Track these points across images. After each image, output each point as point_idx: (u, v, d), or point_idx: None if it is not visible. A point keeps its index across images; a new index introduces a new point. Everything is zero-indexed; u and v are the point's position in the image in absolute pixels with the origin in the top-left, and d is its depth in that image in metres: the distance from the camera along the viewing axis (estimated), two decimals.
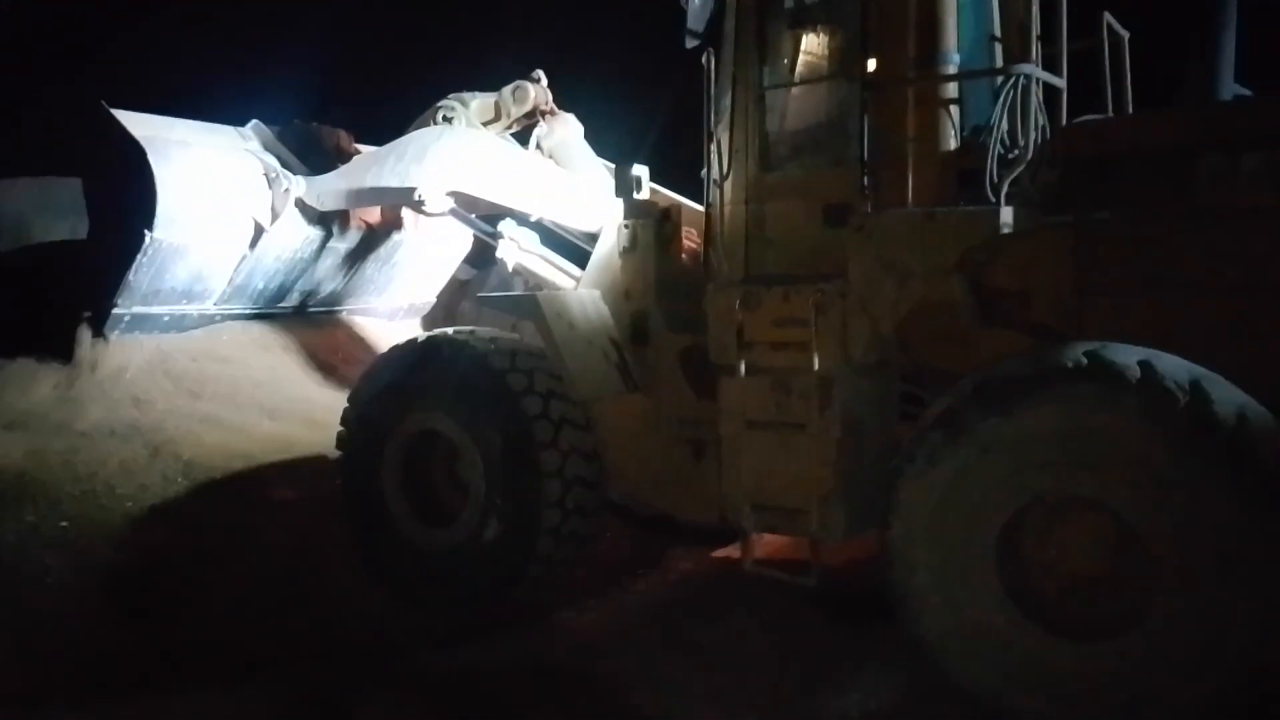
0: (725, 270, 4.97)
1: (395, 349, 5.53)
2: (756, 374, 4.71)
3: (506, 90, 6.61)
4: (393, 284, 7.91)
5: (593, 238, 5.86)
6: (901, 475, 4.02)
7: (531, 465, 5.03)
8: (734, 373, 4.80)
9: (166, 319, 6.46)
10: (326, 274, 7.32)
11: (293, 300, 7.26)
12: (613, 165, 6.33)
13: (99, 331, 6.19)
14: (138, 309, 6.23)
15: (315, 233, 6.93)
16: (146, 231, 5.94)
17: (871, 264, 4.44)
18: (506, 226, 5.97)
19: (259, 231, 6.61)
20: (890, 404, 4.85)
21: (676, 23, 4.95)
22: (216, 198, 6.38)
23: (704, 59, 5.09)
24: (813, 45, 5.14)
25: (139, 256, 5.96)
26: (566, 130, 6.39)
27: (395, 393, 5.44)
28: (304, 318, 7.47)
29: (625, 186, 5.39)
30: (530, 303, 5.36)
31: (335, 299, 7.62)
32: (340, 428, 5.69)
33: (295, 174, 6.75)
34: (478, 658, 4.89)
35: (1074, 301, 4.31)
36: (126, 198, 6.19)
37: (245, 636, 4.97)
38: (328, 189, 6.74)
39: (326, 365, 7.30)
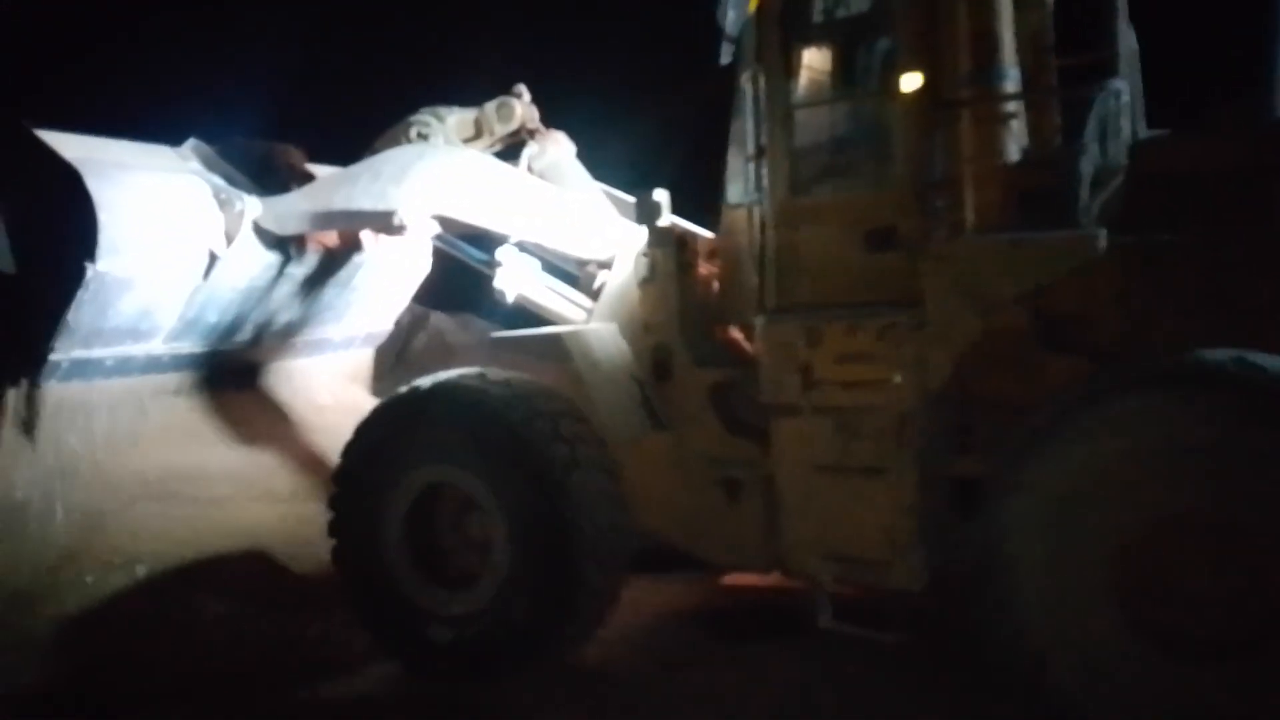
0: (768, 300, 4.62)
1: (397, 397, 4.99)
2: (822, 414, 4.39)
3: (490, 106, 6.09)
4: (351, 309, 7.25)
5: (597, 266, 5.45)
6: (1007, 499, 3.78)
7: (563, 517, 4.58)
8: (795, 413, 4.47)
9: (110, 363, 5.68)
10: (282, 303, 6.62)
11: (246, 334, 6.55)
12: (605, 188, 5.95)
13: (33, 382, 5.39)
14: (77, 353, 5.44)
15: (273, 258, 6.25)
16: (88, 264, 5.18)
17: (950, 292, 4.15)
18: (506, 254, 5.47)
19: (213, 259, 5.90)
20: (952, 438, 4.59)
21: (711, 36, 4.59)
22: (164, 222, 5.63)
23: (741, 77, 4.77)
24: (847, 61, 4.85)
25: (79, 292, 5.17)
26: (559, 150, 5.92)
27: (398, 445, 4.92)
28: (258, 355, 6.77)
29: (648, 213, 4.98)
30: (556, 342, 4.91)
31: (290, 330, 6.92)
32: (333, 486, 5.13)
33: (247, 194, 6.08)
34: None
35: (1140, 324, 4.16)
36: (57, 227, 5.41)
37: None
38: (288, 211, 6.07)
39: (295, 416, 6.64)
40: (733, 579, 6.05)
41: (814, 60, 4.83)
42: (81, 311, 5.26)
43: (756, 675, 4.89)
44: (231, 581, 5.51)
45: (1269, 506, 3.43)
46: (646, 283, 5.09)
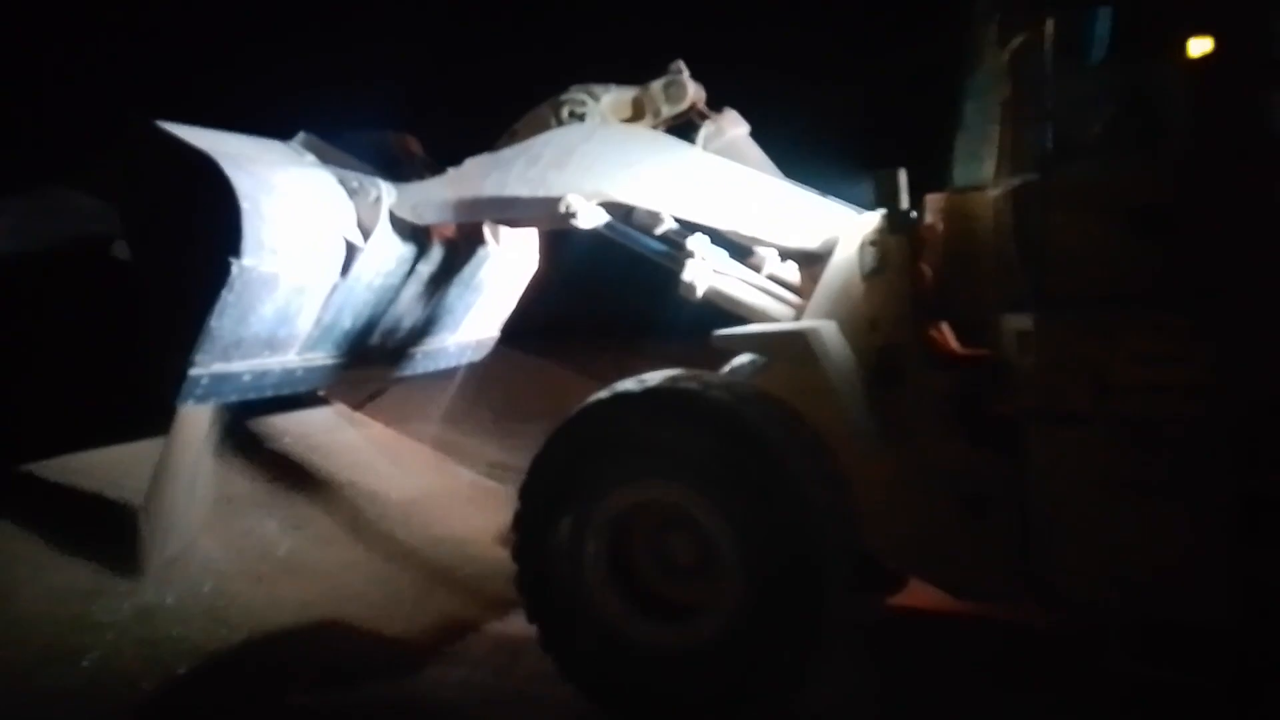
0: (1039, 292, 4.05)
1: (596, 403, 4.40)
2: (1115, 424, 3.84)
3: (656, 85, 5.47)
4: (470, 312, 6.66)
5: (807, 256, 4.88)
6: None
7: (806, 538, 4.02)
8: (1078, 423, 3.92)
9: (248, 378, 5.07)
10: (408, 305, 6.03)
11: (374, 341, 5.94)
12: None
13: (171, 399, 4.76)
14: (218, 367, 4.82)
15: (408, 251, 5.64)
16: (233, 259, 4.57)
17: None
18: (699, 243, 4.88)
19: (351, 252, 5.28)
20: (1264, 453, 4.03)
21: None
22: (303, 214, 5.04)
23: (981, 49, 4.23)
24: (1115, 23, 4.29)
25: (223, 293, 4.57)
26: (737, 130, 5.33)
27: (601, 457, 4.33)
28: (382, 369, 6.17)
29: (888, 194, 4.39)
30: (799, 340, 4.33)
31: (413, 337, 6.32)
32: (517, 504, 4.54)
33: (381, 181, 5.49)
34: None
35: None
36: (192, 224, 4.80)
37: None
38: (426, 199, 5.47)
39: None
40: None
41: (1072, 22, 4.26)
42: (225, 316, 4.64)
43: None
44: None
45: None
46: (874, 275, 4.50)
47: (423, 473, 7.32)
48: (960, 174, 4.70)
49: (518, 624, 4.84)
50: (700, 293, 4.88)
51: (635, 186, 5.01)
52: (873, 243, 4.52)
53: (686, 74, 5.53)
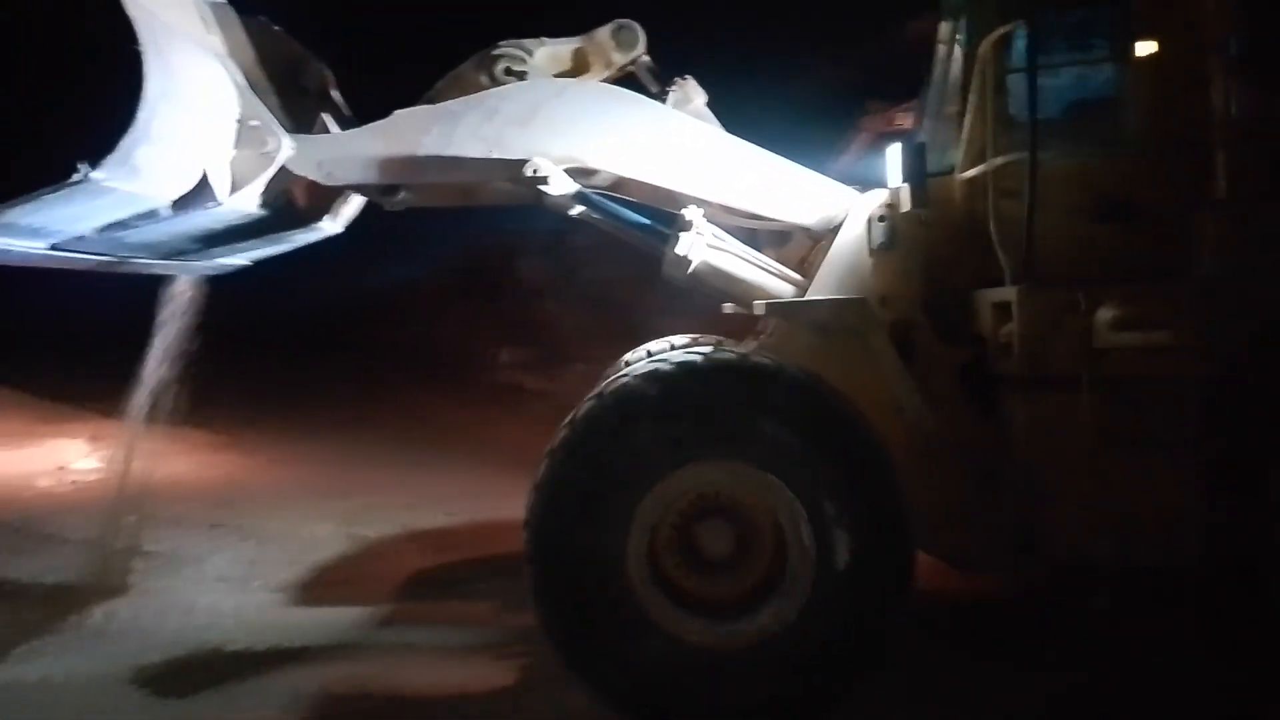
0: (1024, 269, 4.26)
1: (657, 373, 3.88)
2: (1101, 385, 4.12)
3: (604, 32, 4.97)
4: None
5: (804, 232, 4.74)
6: None
7: (892, 523, 3.88)
8: (1067, 386, 4.17)
9: None
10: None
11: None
12: None
13: None
14: None
15: (259, 214, 4.61)
16: (83, 166, 3.48)
17: (1260, 255, 4.09)
18: (695, 214, 4.52)
19: (200, 193, 4.13)
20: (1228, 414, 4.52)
21: None
22: (184, 141, 3.92)
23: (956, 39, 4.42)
24: (1080, 21, 4.69)
25: (53, 188, 3.53)
26: (700, 97, 5.03)
27: (663, 433, 3.85)
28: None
29: (913, 168, 4.37)
30: (857, 310, 4.13)
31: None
32: (534, 498, 3.88)
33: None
34: None
35: None
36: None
37: None
38: (341, 155, 4.53)
39: None
40: None
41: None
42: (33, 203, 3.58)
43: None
44: None
45: None
46: (885, 250, 4.48)
47: None
48: (938, 158, 4.83)
49: None
50: (693, 268, 4.54)
51: (617, 152, 4.56)
52: (881, 218, 4.52)
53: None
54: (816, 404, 3.86)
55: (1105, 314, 4.15)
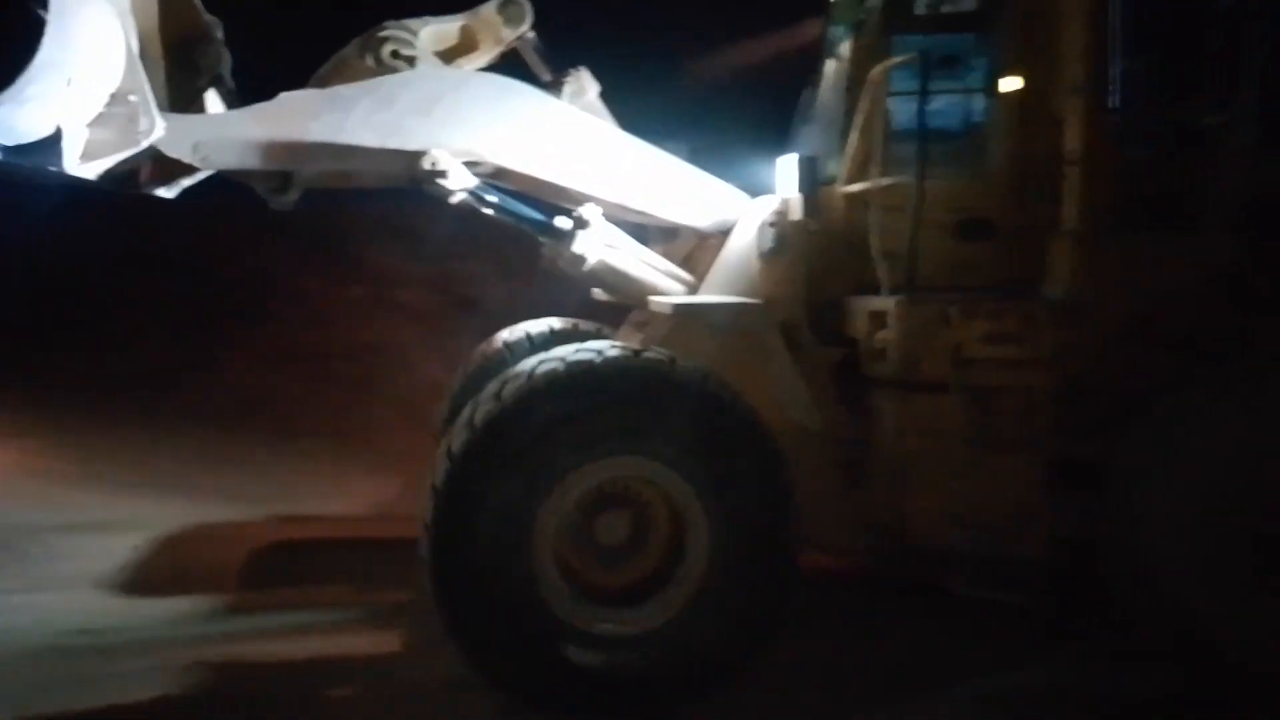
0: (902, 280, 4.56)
1: (555, 372, 3.92)
2: (967, 392, 4.48)
3: (489, 8, 4.88)
4: None
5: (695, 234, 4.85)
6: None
7: (782, 511, 4.09)
8: (938, 390, 4.52)
9: None
10: None
11: None
12: None
13: None
14: None
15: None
16: None
17: (1104, 281, 4.50)
18: (592, 213, 4.55)
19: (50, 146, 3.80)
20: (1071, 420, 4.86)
21: None
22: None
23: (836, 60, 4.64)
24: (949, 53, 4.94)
25: None
26: (594, 89, 5.02)
27: (564, 432, 3.91)
28: None
29: (808, 179, 4.54)
30: (755, 314, 4.27)
31: None
32: (432, 501, 3.88)
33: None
34: None
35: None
36: None
37: None
38: (220, 138, 4.32)
39: None
40: None
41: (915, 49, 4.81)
42: None
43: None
44: None
45: None
46: (773, 255, 4.65)
47: None
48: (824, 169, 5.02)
49: None
50: (589, 265, 4.60)
51: (515, 147, 4.53)
52: (772, 224, 4.69)
53: None
54: (713, 399, 4.00)
55: (973, 327, 4.50)
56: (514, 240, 5.21)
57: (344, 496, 7.81)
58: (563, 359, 4.02)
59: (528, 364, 4.09)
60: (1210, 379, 4.26)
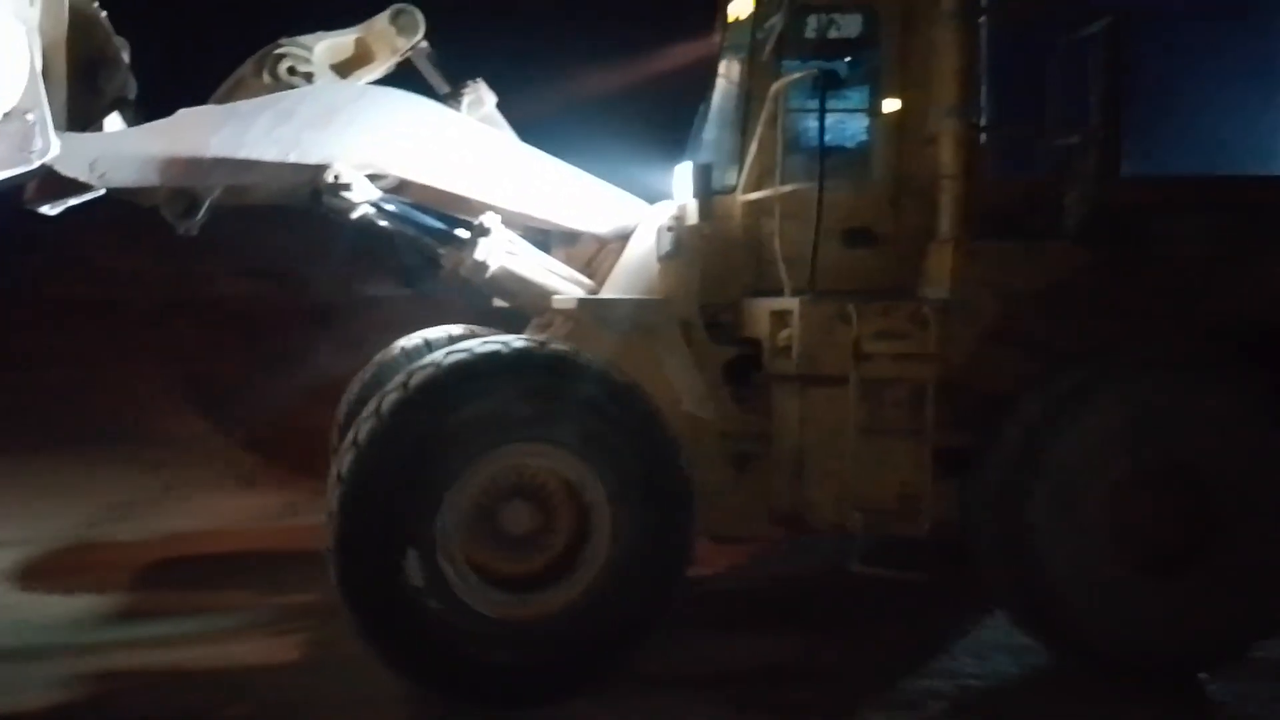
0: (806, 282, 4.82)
1: (461, 363, 4.04)
2: (863, 385, 4.75)
3: (382, 20, 4.96)
4: None
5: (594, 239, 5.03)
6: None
7: (680, 499, 4.30)
8: (835, 383, 4.80)
9: None
10: None
11: None
12: None
13: None
14: None
15: None
16: None
17: (976, 284, 4.79)
18: (493, 221, 4.68)
19: None
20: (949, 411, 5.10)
21: None
22: None
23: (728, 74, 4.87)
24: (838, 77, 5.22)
25: None
26: (491, 100, 5.15)
27: (469, 421, 4.04)
28: None
29: (703, 186, 4.75)
30: (655, 310, 4.49)
31: None
32: (337, 512, 3.97)
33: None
34: None
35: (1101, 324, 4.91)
36: None
37: None
38: (117, 154, 4.32)
39: None
40: None
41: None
42: None
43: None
44: None
45: None
46: (670, 258, 4.85)
47: None
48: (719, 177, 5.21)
49: None
50: (490, 272, 4.74)
51: (415, 158, 4.64)
52: (669, 229, 4.90)
53: None
54: (615, 389, 4.18)
55: (869, 324, 4.78)
56: None
57: None
58: (470, 349, 4.14)
59: (435, 355, 4.20)
60: (1066, 379, 4.63)
